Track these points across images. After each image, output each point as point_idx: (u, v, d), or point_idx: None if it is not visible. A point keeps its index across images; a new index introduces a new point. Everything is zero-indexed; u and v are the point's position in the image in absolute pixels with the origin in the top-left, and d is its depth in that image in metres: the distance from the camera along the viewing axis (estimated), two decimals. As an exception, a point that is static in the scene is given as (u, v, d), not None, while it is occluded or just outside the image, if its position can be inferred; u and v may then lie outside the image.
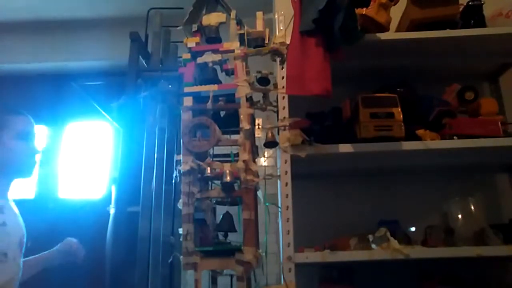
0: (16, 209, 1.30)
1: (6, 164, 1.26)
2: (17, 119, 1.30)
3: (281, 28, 1.48)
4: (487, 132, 1.41)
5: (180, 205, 1.07)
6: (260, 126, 1.20)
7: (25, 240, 1.28)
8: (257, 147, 1.23)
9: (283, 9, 1.56)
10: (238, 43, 1.17)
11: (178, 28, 1.25)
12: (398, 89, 1.54)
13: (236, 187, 1.08)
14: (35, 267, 1.36)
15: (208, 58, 1.15)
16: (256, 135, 1.18)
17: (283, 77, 1.38)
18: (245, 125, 1.09)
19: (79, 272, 1.33)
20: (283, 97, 1.39)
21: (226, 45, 1.17)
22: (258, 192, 1.14)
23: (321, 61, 1.31)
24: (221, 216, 1.15)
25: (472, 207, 1.44)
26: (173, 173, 1.55)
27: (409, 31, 1.53)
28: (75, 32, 3.05)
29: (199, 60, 1.16)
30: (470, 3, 1.60)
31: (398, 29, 1.62)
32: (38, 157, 1.32)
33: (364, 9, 1.47)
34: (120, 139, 2.19)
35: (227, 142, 1.15)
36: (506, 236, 1.36)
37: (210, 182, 1.16)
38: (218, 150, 1.19)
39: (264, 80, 1.17)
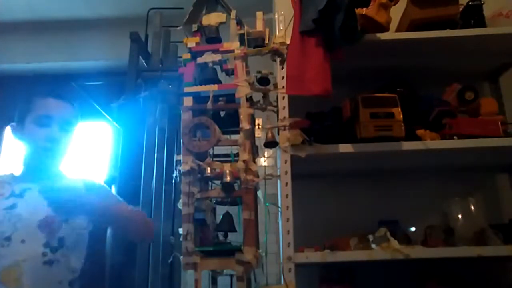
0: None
1: (26, 149, 1.24)
2: (40, 102, 1.25)
3: (281, 28, 1.48)
4: (487, 132, 1.41)
5: (180, 205, 1.07)
6: (260, 126, 1.20)
7: (65, 217, 1.18)
8: (257, 147, 1.23)
9: (283, 9, 1.56)
10: (238, 43, 1.17)
11: (178, 28, 1.25)
12: (398, 89, 1.54)
13: (236, 187, 1.08)
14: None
15: (208, 58, 1.15)
16: (256, 135, 1.18)
17: (283, 77, 1.38)
18: (245, 125, 1.09)
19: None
20: (283, 97, 1.39)
21: (226, 45, 1.17)
22: (258, 192, 1.14)
23: (321, 61, 1.31)
24: (221, 216, 1.15)
25: (472, 207, 1.44)
26: (173, 173, 1.55)
27: (409, 31, 1.53)
28: (75, 32, 3.05)
29: (199, 60, 1.16)
30: (470, 3, 1.60)
31: (398, 29, 1.62)
32: (53, 144, 1.23)
33: (364, 9, 1.47)
34: (120, 139, 2.19)
35: (227, 142, 1.15)
36: (506, 236, 1.36)
37: (210, 182, 1.16)
38: (218, 150, 1.19)
39: (264, 80, 1.16)
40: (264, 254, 1.20)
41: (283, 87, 1.32)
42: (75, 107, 1.32)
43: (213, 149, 1.15)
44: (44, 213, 1.17)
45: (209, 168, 1.07)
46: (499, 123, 1.44)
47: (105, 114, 2.71)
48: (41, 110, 1.24)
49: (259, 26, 1.20)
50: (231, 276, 1.67)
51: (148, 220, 1.39)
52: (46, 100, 1.26)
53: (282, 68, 1.40)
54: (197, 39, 1.19)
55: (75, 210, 1.16)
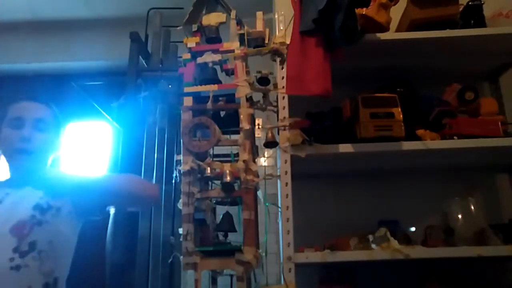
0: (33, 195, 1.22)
1: (5, 154, 1.25)
2: (13, 106, 1.28)
3: (281, 28, 1.48)
4: (487, 132, 1.41)
5: (180, 205, 1.07)
6: (260, 126, 1.20)
7: (36, 220, 1.16)
8: (257, 147, 1.23)
9: (283, 9, 1.56)
10: (238, 43, 1.17)
11: (178, 28, 1.25)
12: (398, 89, 1.54)
13: (236, 187, 1.08)
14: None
15: (208, 58, 1.15)
16: (256, 135, 1.18)
17: (283, 77, 1.38)
18: (245, 125, 1.09)
19: (79, 272, 1.28)
20: (283, 97, 1.39)
21: (226, 45, 1.17)
22: (258, 192, 1.14)
23: (321, 61, 1.31)
24: (221, 216, 1.15)
25: (472, 207, 1.44)
26: (173, 173, 1.55)
27: (409, 31, 1.53)
28: (75, 32, 3.05)
29: (199, 60, 1.16)
30: (470, 3, 1.60)
31: (398, 29, 1.63)
32: (26, 144, 1.20)
33: (364, 9, 1.47)
34: (120, 139, 2.19)
35: (227, 142, 1.15)
36: (506, 236, 1.36)
37: (210, 182, 1.16)
38: (218, 150, 1.19)
39: (264, 80, 1.17)
40: (264, 254, 1.20)
41: (283, 87, 1.32)
42: (52, 107, 1.32)
43: (213, 149, 1.15)
44: (16, 218, 1.16)
45: (209, 168, 1.07)
46: (499, 123, 1.44)
47: (105, 114, 2.71)
48: (13, 113, 1.26)
49: (259, 26, 1.20)
50: (231, 276, 1.67)
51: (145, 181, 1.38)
52: (19, 104, 1.28)
53: (282, 68, 1.40)
54: (197, 39, 1.19)
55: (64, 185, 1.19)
